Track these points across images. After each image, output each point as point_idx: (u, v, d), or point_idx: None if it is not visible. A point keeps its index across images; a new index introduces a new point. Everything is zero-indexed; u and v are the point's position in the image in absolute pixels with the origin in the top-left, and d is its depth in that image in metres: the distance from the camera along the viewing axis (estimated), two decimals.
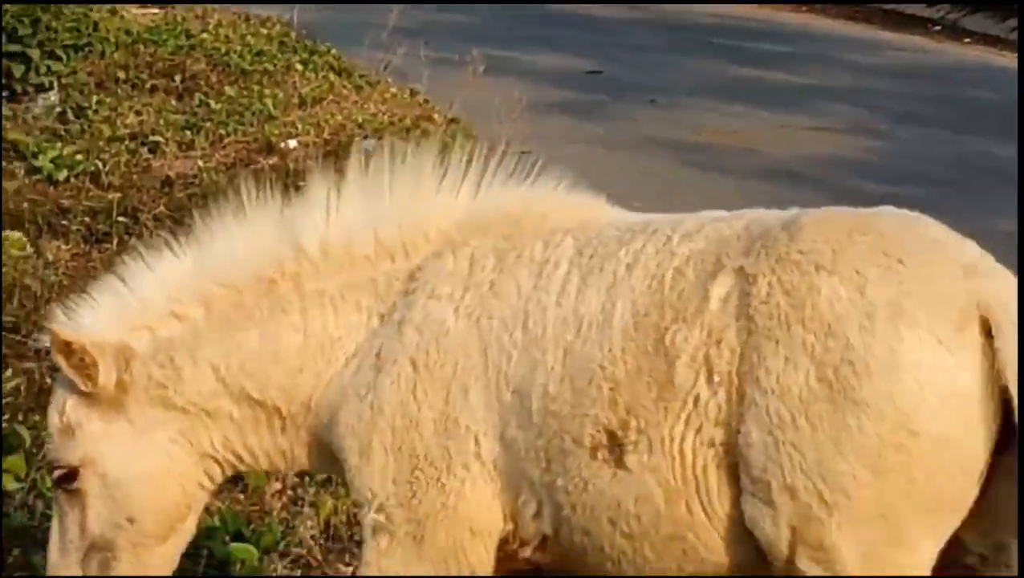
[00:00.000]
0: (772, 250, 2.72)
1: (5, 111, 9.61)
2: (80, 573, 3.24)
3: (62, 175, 8.92)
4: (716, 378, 2.68)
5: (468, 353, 2.95)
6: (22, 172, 9.01)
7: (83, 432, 3.20)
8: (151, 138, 9.59)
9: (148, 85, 10.36)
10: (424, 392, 2.97)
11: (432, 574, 3.00)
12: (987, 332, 2.58)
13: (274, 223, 3.21)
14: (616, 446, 2.77)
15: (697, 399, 2.70)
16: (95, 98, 9.75)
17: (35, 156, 9.09)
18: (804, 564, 2.64)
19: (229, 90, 10.07)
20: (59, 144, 9.32)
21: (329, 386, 3.11)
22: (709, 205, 3.20)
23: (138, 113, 9.81)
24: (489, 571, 3.04)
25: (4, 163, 9.14)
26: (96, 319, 3.22)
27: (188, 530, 3.35)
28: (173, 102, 10.02)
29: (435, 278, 3.05)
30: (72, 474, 3.19)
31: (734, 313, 2.70)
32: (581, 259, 2.92)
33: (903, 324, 2.58)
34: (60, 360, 3.15)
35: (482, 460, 2.93)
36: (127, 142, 9.51)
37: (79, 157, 9.18)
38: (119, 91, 9.93)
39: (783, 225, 2.80)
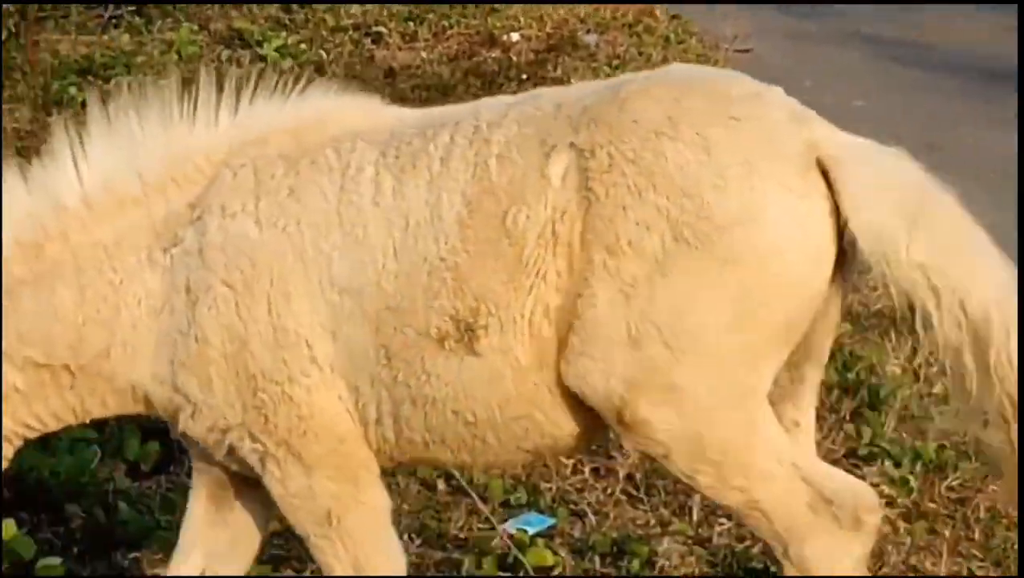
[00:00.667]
0: (603, 123, 2.78)
1: None
2: None
3: (286, 64, 8.94)
4: (561, 249, 2.76)
5: (282, 261, 2.93)
6: (247, 60, 9.08)
7: None
8: (374, 29, 9.56)
9: None
10: (246, 309, 2.94)
11: (332, 481, 3.01)
12: (823, 173, 2.71)
13: (22, 190, 3.12)
14: (466, 332, 2.82)
15: (546, 275, 2.77)
16: None
17: (260, 45, 9.17)
18: (645, 413, 2.74)
19: None
20: (283, 33, 9.36)
21: (139, 332, 3.05)
22: (925, 103, 3.03)
23: (361, 4, 9.74)
24: (372, 473, 3.06)
25: (230, 51, 9.23)
26: None
27: None
28: None
29: (222, 197, 2.99)
30: None
31: (574, 186, 2.76)
32: (387, 160, 2.91)
33: (754, 178, 2.69)
34: None
35: (319, 364, 2.93)
36: (351, 32, 9.51)
37: (303, 46, 9.24)
38: None
39: (608, 99, 2.85)
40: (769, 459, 2.84)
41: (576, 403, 2.84)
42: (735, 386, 2.82)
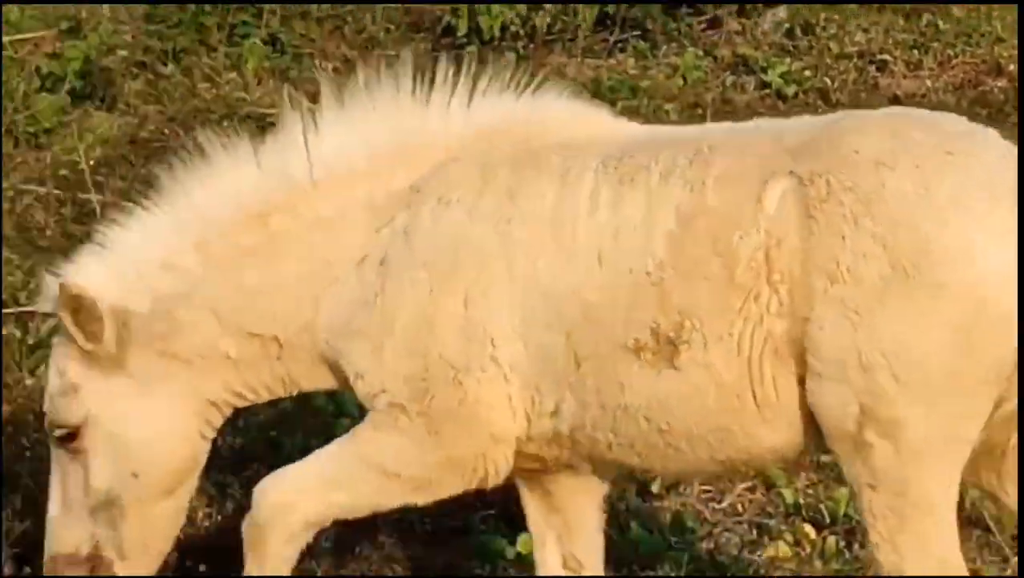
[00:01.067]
0: (822, 153, 2.89)
1: (735, 25, 9.97)
2: (83, 531, 3.26)
3: (791, 91, 9.23)
4: (777, 276, 2.83)
5: (487, 257, 2.97)
6: (752, 87, 9.40)
7: (85, 391, 3.23)
8: (879, 56, 9.63)
9: (876, 5, 10.35)
10: (439, 295, 2.99)
11: (448, 470, 3.10)
12: None
13: (253, 163, 3.21)
14: (666, 346, 2.89)
15: (758, 296, 2.85)
16: (823, 15, 9.81)
17: (764, 71, 9.43)
18: (871, 438, 2.81)
19: (956, 11, 9.85)
20: (788, 60, 9.58)
21: (329, 302, 3.13)
22: None
23: (865, 31, 9.82)
24: (502, 476, 3.12)
25: (735, 77, 9.57)
26: (87, 280, 3.23)
27: (192, 483, 3.38)
28: (901, 21, 9.94)
29: (442, 186, 3.05)
30: (74, 434, 3.22)
31: (792, 214, 2.85)
32: (607, 170, 2.97)
33: (970, 213, 2.79)
34: (66, 316, 3.17)
35: (499, 362, 2.96)
36: (855, 60, 9.59)
37: (807, 73, 9.43)
38: (846, 9, 9.96)
39: (828, 131, 2.97)
40: (946, 543, 2.92)
41: (779, 421, 2.95)
42: (947, 432, 2.86)
